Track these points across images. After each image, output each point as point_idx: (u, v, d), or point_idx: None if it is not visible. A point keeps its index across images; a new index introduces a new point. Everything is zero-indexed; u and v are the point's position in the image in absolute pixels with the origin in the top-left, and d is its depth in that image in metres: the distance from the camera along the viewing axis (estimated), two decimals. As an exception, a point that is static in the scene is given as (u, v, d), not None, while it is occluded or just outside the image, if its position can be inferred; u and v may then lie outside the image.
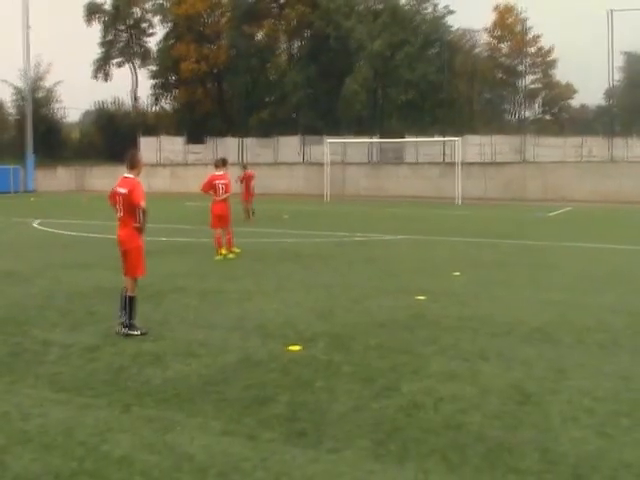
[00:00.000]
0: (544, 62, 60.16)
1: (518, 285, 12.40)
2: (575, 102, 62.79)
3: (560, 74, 60.56)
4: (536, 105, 62.25)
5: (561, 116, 62.43)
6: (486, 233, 21.43)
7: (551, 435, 5.53)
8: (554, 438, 5.47)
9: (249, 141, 52.02)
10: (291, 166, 49.52)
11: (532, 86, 60.73)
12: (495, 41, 60.22)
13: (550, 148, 46.03)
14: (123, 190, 8.60)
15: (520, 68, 57.77)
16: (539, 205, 36.31)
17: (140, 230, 8.65)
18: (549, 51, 59.70)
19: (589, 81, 79.01)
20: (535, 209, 33.12)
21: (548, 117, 62.56)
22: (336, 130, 48.19)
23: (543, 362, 7.47)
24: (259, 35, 58.87)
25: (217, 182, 15.58)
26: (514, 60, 58.68)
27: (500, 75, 59.55)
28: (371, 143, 48.08)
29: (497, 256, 16.42)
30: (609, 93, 52.42)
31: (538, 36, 59.35)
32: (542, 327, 9.03)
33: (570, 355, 7.77)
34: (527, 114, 60.06)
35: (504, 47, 60.09)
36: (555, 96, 61.04)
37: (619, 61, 56.97)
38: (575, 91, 61.02)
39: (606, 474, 4.89)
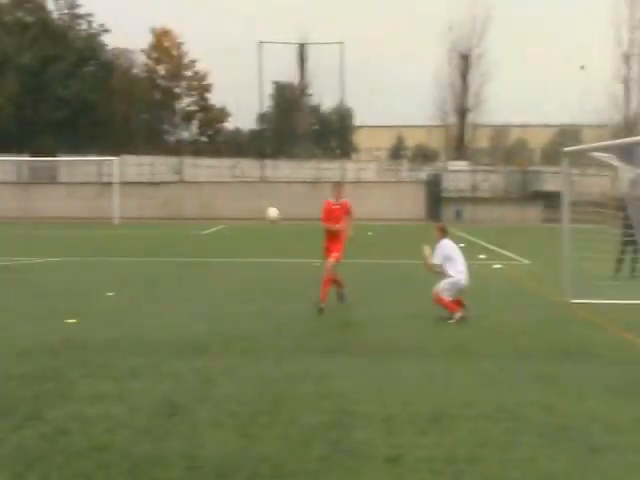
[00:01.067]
0: (200, 86, 62.17)
1: (171, 300, 12.61)
2: (230, 125, 65.92)
3: (215, 98, 63.13)
4: (193, 127, 64.07)
5: (217, 138, 64.95)
6: (142, 252, 21.46)
7: (197, 442, 5.69)
8: (200, 444, 5.63)
9: None
10: None
11: (189, 108, 62.40)
12: (153, 63, 60.76)
13: (206, 169, 47.74)
14: None
15: (177, 90, 59.05)
16: (196, 223, 37.37)
17: None
18: (205, 75, 61.92)
19: (243, 106, 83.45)
20: (191, 227, 34.00)
21: (204, 139, 64.70)
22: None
23: (192, 373, 7.67)
24: None
25: None
26: (171, 82, 59.80)
27: (158, 96, 60.18)
28: (20, 161, 45.28)
29: (152, 274, 16.53)
30: (260, 118, 55.85)
31: (194, 61, 61.30)
32: (193, 339, 9.28)
33: (218, 363, 8.09)
34: (185, 135, 61.59)
35: (162, 69, 60.89)
36: (211, 119, 63.35)
37: (269, 89, 61.28)
38: (229, 115, 64.04)
39: (247, 469, 5.16)
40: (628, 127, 45.60)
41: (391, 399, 6.79)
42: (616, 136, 43.30)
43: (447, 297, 11.10)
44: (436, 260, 11.26)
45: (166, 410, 6.47)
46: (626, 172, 13.38)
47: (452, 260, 11.15)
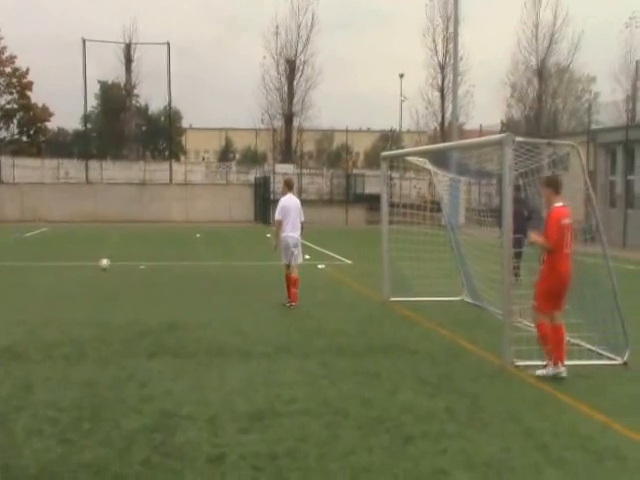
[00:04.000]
0: (20, 83, 58.95)
1: (-11, 308, 11.96)
2: (52, 125, 63.02)
3: (36, 96, 60.08)
4: (13, 126, 60.65)
5: (38, 138, 61.91)
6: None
7: (14, 451, 5.51)
8: (16, 454, 5.45)
9: None
10: None
11: (8, 106, 59.04)
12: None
13: (28, 169, 45.69)
14: None
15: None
16: (17, 226, 35.56)
17: None
18: (25, 73, 58.78)
19: (66, 105, 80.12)
20: (12, 230, 32.27)
21: (25, 139, 61.48)
22: None
23: (10, 381, 7.40)
24: None
25: None
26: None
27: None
28: None
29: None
30: (85, 118, 53.99)
31: (14, 57, 58.00)
32: (11, 347, 8.91)
33: (38, 370, 7.82)
34: (4, 135, 58.18)
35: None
36: (32, 118, 60.24)
37: (95, 88, 59.25)
38: (52, 114, 61.18)
39: (67, 477, 5.07)
40: (444, 133, 48.05)
41: (215, 399, 6.88)
42: (433, 142, 45.80)
43: (283, 261, 11.84)
44: (277, 215, 11.79)
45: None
46: (439, 176, 14.19)
47: (285, 217, 11.70)
